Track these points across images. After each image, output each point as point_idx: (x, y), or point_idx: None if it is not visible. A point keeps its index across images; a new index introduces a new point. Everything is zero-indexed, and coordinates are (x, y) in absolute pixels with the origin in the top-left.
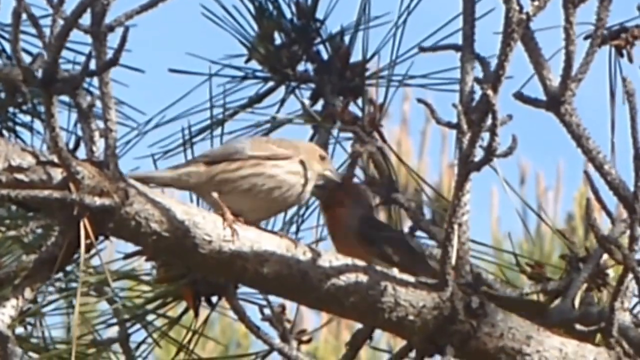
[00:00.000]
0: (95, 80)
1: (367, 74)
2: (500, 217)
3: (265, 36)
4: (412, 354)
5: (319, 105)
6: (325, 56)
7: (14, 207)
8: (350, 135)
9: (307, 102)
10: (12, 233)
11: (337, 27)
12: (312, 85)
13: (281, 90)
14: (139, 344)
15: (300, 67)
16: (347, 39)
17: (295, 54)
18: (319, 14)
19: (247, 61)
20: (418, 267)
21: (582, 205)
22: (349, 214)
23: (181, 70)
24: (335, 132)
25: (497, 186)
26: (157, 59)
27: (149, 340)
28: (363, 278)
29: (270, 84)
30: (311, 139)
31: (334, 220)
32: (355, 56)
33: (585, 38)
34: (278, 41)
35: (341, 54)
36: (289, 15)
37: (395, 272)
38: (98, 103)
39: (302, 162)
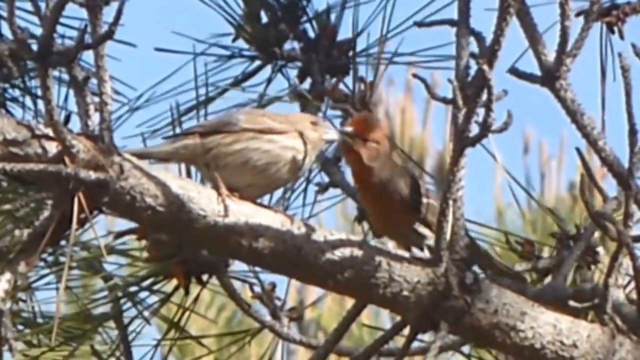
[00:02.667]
0: (89, 55)
1: (355, 52)
2: (504, 184)
3: (252, 15)
4: (407, 330)
5: (306, 84)
6: (312, 34)
7: (4, 183)
8: (340, 113)
9: (294, 80)
10: (5, 207)
11: (324, 4)
12: (299, 64)
13: (268, 69)
14: (131, 320)
15: (287, 46)
16: (333, 17)
17: (282, 32)
18: None
19: (234, 40)
20: None
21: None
22: (377, 164)
23: (167, 50)
24: (323, 109)
25: (500, 154)
26: (144, 35)
27: (141, 316)
28: (357, 253)
29: (257, 62)
30: None
31: (360, 168)
32: (343, 34)
33: (577, 15)
34: (264, 20)
35: (328, 32)
36: None
37: (389, 247)
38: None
39: (299, 136)
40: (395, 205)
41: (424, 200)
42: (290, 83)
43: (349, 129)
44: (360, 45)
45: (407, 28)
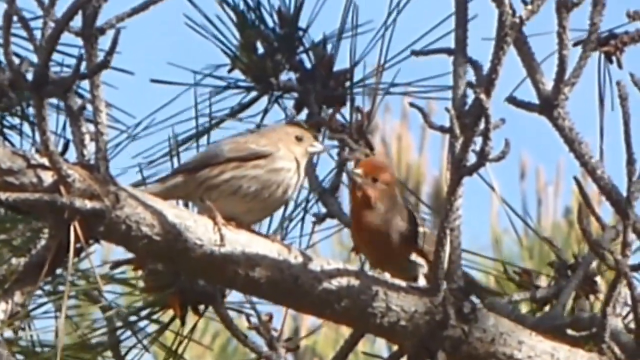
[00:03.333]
0: (86, 83)
1: (352, 82)
2: (501, 211)
3: (248, 45)
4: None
5: (303, 115)
6: (308, 65)
7: (2, 211)
8: (337, 143)
9: (291, 111)
10: (1, 236)
11: (320, 35)
12: (296, 95)
13: (264, 100)
14: (129, 349)
15: (284, 77)
16: (330, 47)
17: (278, 63)
18: (302, 23)
19: (230, 70)
20: None
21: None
22: (383, 206)
23: (164, 81)
24: (321, 139)
25: (497, 181)
26: (141, 62)
27: (139, 345)
28: (354, 282)
29: (254, 93)
30: None
31: (364, 208)
32: (339, 64)
33: (575, 45)
34: (261, 50)
35: (324, 63)
36: (271, 24)
37: (386, 276)
38: (88, 106)
39: (283, 155)
40: (393, 243)
41: (421, 230)
42: (287, 114)
43: (358, 170)
44: (357, 75)
45: (404, 58)
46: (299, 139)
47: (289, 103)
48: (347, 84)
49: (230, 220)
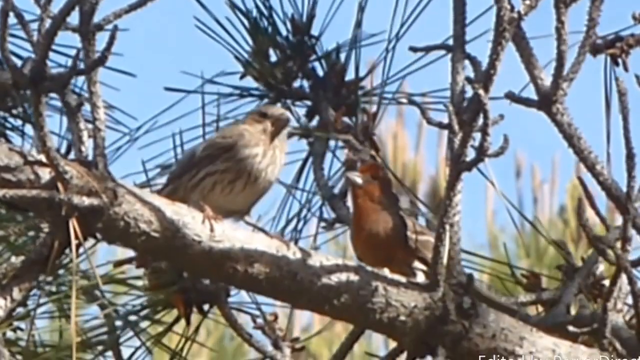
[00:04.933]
0: (84, 82)
1: (362, 92)
2: (496, 209)
3: (260, 52)
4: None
5: (314, 122)
6: (320, 73)
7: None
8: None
9: (303, 118)
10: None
11: (333, 43)
12: (308, 102)
13: None
14: (133, 353)
15: (296, 84)
16: (342, 55)
17: (290, 70)
18: (314, 31)
19: (242, 77)
20: None
21: (575, 196)
22: (385, 211)
23: (176, 89)
24: (331, 143)
25: (493, 178)
26: (148, 64)
27: (142, 346)
28: (354, 278)
29: (266, 100)
30: (308, 154)
31: (366, 214)
32: (351, 72)
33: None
34: (273, 57)
35: (337, 71)
36: (284, 31)
37: (386, 272)
38: (87, 105)
39: (247, 142)
40: (393, 249)
41: (424, 237)
42: (299, 121)
43: (357, 173)
44: (369, 83)
45: (413, 71)
46: (261, 115)
47: (301, 110)
48: (360, 92)
49: (218, 215)
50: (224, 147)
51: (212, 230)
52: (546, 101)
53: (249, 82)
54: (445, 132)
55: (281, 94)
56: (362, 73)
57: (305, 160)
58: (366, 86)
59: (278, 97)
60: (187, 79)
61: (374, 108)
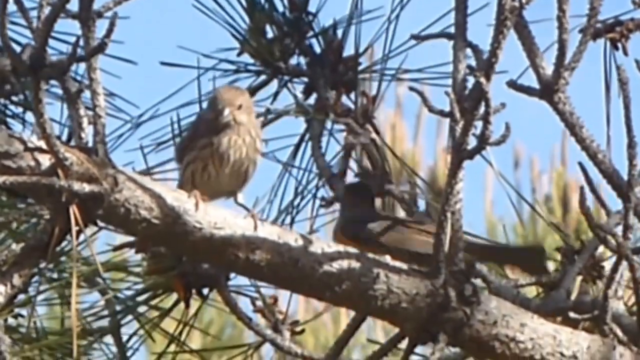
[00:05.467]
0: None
1: (360, 67)
2: (495, 199)
3: (257, 29)
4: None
5: (312, 99)
6: (318, 50)
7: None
8: (343, 127)
9: (300, 95)
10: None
11: (330, 20)
12: (305, 79)
13: (274, 84)
14: (131, 336)
15: (293, 61)
16: (340, 32)
17: (287, 47)
18: (311, 7)
19: (239, 54)
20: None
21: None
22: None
23: (172, 64)
24: (328, 124)
25: (491, 169)
26: (150, 52)
27: (140, 331)
28: (355, 265)
29: (263, 77)
30: (305, 132)
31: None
32: (349, 50)
33: (581, 31)
34: (270, 34)
35: (334, 48)
36: (281, 8)
37: (387, 259)
38: (87, 92)
39: (222, 125)
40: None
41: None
42: (296, 98)
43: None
44: (367, 60)
45: (410, 47)
46: (218, 113)
47: (298, 87)
48: (359, 68)
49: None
50: (203, 133)
51: (197, 206)
52: (548, 90)
53: (246, 59)
54: (445, 123)
55: (278, 71)
56: (360, 50)
57: (301, 138)
58: (364, 62)
59: (275, 74)
60: (186, 59)
61: (373, 85)
